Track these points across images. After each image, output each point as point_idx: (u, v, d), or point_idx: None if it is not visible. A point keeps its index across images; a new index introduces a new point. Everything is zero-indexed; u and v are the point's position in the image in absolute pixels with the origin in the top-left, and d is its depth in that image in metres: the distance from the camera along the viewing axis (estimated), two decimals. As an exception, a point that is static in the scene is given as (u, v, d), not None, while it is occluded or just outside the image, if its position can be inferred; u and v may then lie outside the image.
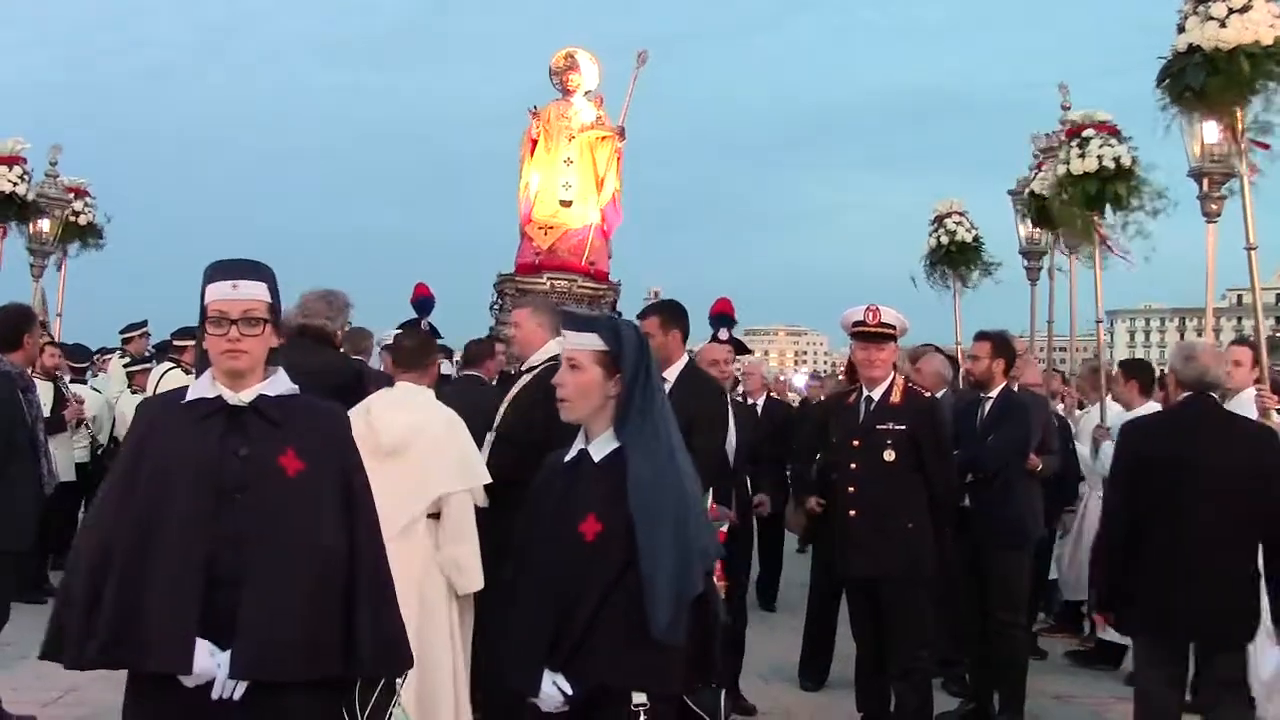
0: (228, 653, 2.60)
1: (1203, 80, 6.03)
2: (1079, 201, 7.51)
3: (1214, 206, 6.92)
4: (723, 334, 9.15)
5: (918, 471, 5.36)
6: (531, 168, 14.08)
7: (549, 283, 13.52)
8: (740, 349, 9.11)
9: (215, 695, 2.60)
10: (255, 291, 2.79)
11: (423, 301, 10.10)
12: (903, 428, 5.34)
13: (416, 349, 4.97)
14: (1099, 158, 7.29)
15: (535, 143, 14.03)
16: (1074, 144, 7.48)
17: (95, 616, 2.60)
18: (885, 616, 5.39)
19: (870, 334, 5.44)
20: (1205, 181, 6.89)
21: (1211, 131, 6.75)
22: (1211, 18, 5.99)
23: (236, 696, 2.61)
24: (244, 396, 2.78)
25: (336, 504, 2.78)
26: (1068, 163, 7.47)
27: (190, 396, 2.80)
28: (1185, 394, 4.73)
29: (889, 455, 5.33)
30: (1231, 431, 4.67)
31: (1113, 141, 7.40)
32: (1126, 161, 7.35)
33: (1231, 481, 4.46)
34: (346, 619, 2.73)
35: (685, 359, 5.68)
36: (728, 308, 9.25)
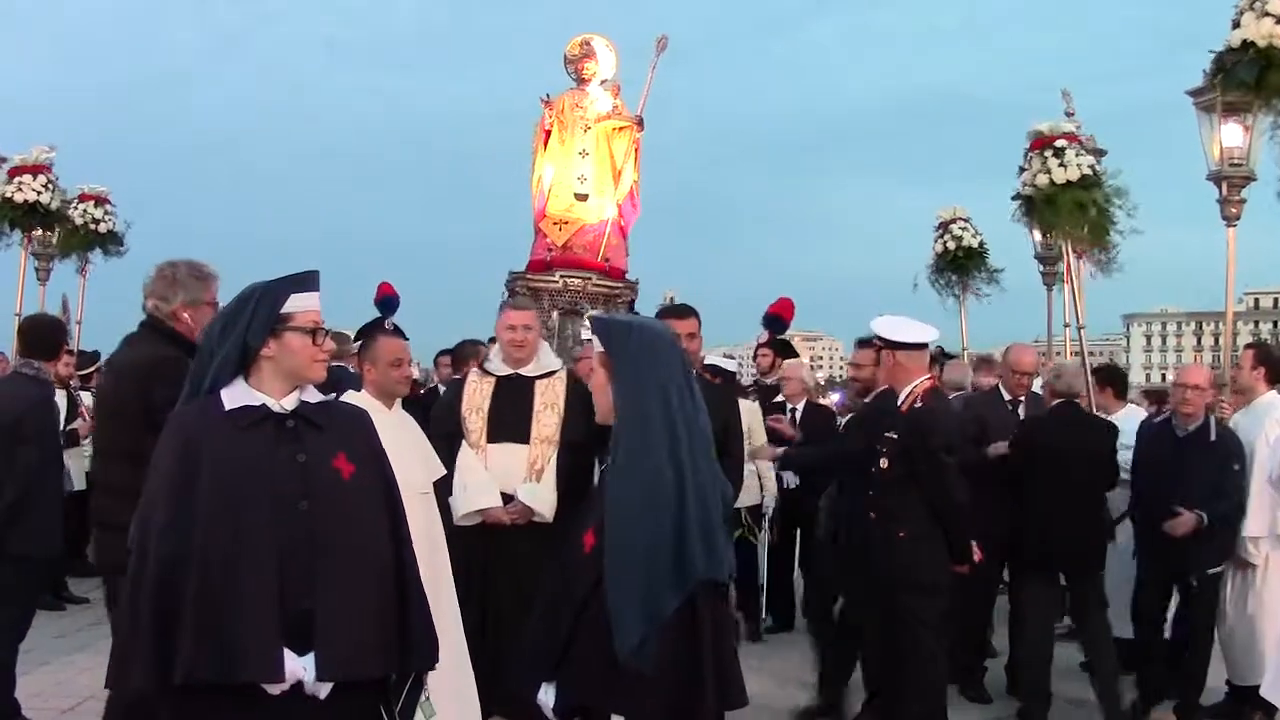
0: (309, 655, 2.65)
1: (1256, 74, 6.05)
2: (1064, 209, 7.55)
3: (1233, 210, 6.89)
4: (763, 336, 9.06)
5: (915, 479, 5.34)
6: (545, 160, 13.33)
7: (561, 281, 12.88)
8: (788, 351, 9.02)
9: (308, 688, 2.65)
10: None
11: (386, 300, 10.06)
12: (895, 436, 5.37)
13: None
14: (1079, 165, 7.35)
15: (549, 134, 13.28)
16: (1049, 154, 7.50)
17: (170, 637, 2.59)
18: (886, 620, 5.43)
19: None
20: (1224, 185, 6.86)
21: (1231, 134, 6.71)
22: (1268, 14, 6.01)
23: (322, 696, 2.67)
24: (286, 403, 2.83)
25: (381, 503, 2.87)
26: (1049, 173, 7.47)
27: (230, 405, 2.79)
28: (1057, 400, 6.47)
29: (883, 463, 5.38)
30: (1088, 427, 6.57)
31: (1082, 152, 7.47)
32: (1098, 169, 7.47)
33: (1089, 460, 6.32)
34: (400, 615, 2.81)
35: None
36: (785, 311, 9.13)
